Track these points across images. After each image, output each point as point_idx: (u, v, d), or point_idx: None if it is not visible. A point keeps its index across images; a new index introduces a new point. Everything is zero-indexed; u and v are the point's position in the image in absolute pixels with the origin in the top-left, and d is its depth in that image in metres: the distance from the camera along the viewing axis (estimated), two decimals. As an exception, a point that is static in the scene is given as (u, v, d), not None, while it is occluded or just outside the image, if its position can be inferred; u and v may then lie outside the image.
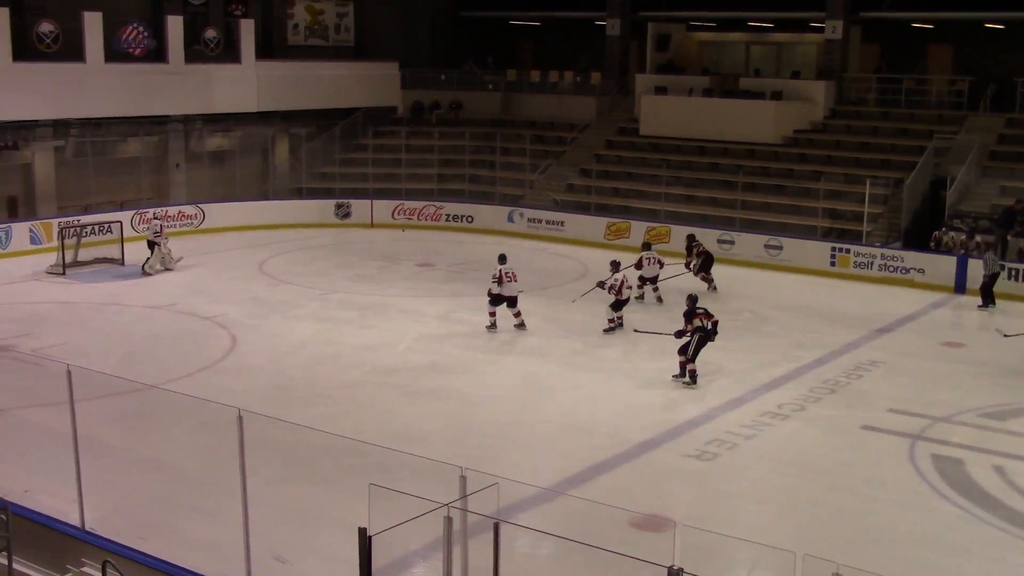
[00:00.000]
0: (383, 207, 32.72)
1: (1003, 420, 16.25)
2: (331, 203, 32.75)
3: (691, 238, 25.08)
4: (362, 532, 8.07)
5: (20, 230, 27.52)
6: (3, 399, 16.31)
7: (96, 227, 27.03)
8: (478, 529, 8.71)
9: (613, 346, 19.94)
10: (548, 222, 31.28)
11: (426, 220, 32.47)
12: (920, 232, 27.26)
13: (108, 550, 10.35)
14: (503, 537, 8.49)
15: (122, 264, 26.11)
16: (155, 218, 26.71)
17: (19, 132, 29.10)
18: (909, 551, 12.00)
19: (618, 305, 20.59)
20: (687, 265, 24.38)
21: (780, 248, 27.33)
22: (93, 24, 29.53)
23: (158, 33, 31.42)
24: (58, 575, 10.50)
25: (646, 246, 23.75)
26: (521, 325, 20.59)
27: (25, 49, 28.56)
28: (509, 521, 8.82)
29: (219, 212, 31.32)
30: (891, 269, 25.62)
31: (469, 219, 32.27)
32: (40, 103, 28.72)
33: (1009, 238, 25.25)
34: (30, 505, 11.41)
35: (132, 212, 29.45)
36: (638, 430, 15.47)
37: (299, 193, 34.50)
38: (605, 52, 37.40)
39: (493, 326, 20.58)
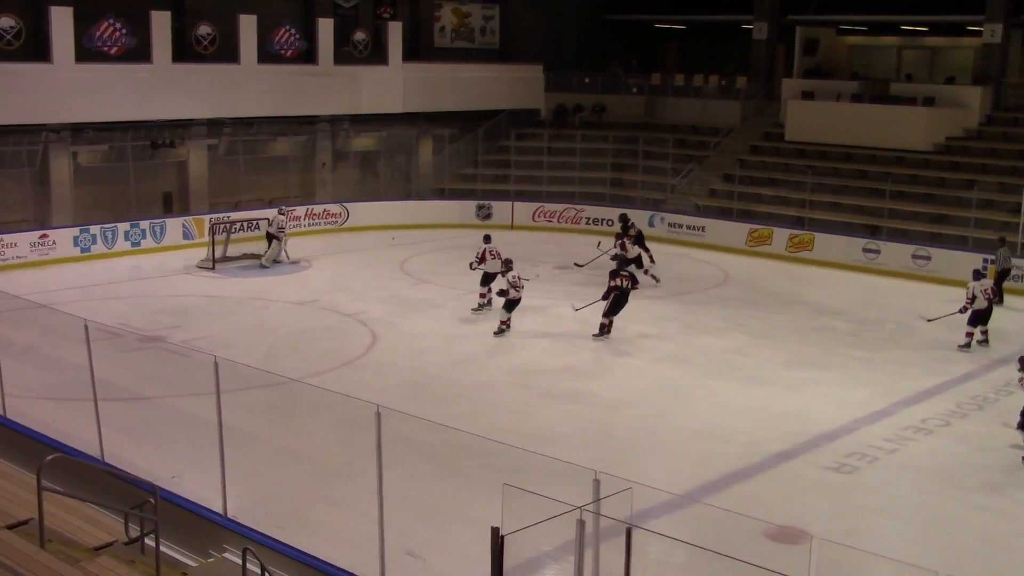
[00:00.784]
0: (524, 209, 32.87)
1: None
2: (472, 204, 33.02)
3: (625, 218, 26.68)
4: (495, 532, 8.10)
5: (174, 225, 28.50)
6: (154, 387, 16.96)
7: (245, 224, 27.84)
8: (610, 533, 8.65)
9: (749, 355, 19.65)
10: (689, 227, 30.95)
11: (566, 223, 32.51)
12: (1079, 244, 26.11)
13: (249, 538, 10.64)
14: (635, 542, 8.43)
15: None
16: (280, 213, 27.12)
17: (176, 130, 30.07)
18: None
19: (510, 305, 20.48)
20: (620, 247, 24.48)
21: (928, 259, 26.51)
22: (248, 27, 30.32)
23: (309, 35, 32.13)
24: (201, 559, 10.81)
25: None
26: (488, 304, 21.57)
27: (184, 51, 29.54)
28: (642, 527, 8.76)
29: (363, 211, 31.89)
30: (1047, 282, 24.63)
31: (609, 223, 32.14)
32: (196, 103, 29.60)
33: None
34: (177, 491, 11.77)
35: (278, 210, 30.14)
36: (775, 440, 15.22)
37: (441, 194, 34.87)
38: (751, 56, 36.79)
39: (490, 304, 21.78)
